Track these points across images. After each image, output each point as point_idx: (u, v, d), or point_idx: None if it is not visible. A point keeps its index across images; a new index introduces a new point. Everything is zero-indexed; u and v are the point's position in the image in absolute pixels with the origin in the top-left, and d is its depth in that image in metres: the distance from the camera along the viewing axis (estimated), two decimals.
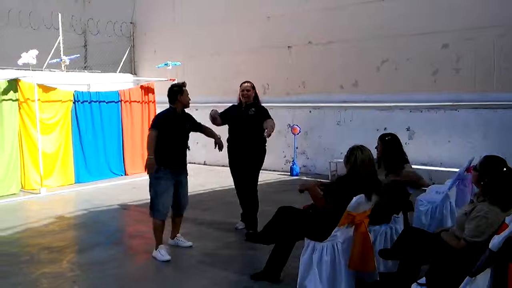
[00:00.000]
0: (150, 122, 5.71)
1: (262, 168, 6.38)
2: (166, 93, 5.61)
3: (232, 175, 6.37)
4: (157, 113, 6.34)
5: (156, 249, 5.44)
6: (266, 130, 5.90)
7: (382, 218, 4.82)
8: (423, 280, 3.49)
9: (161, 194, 5.37)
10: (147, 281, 4.85)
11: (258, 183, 6.40)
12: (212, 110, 6.37)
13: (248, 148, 6.14)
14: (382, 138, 5.24)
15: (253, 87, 6.34)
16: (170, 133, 5.40)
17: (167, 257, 5.38)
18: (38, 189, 9.20)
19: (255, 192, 6.28)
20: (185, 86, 5.63)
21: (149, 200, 5.51)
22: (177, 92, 5.54)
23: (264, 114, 6.21)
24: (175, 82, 11.22)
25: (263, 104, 6.42)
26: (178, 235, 5.87)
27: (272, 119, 6.22)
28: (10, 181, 9.08)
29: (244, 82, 6.39)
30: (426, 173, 8.90)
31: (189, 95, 5.63)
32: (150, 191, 5.46)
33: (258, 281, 4.66)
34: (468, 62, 8.91)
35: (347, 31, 10.37)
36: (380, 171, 5.04)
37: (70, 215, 7.62)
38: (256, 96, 6.36)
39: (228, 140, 6.29)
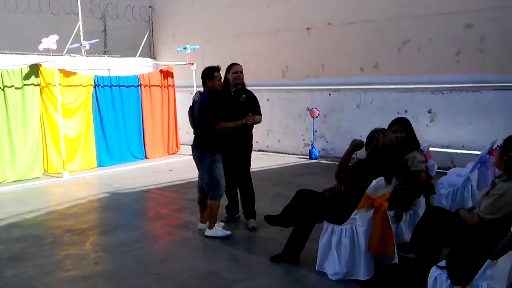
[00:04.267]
0: (208, 112, 5.47)
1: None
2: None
3: (224, 167, 5.66)
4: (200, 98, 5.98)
5: (212, 228, 5.55)
6: (250, 118, 5.61)
7: (401, 203, 4.79)
8: (443, 263, 3.47)
9: (221, 175, 5.49)
10: (169, 262, 4.93)
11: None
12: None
13: (240, 137, 5.81)
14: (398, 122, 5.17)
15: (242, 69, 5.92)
16: (215, 121, 5.44)
17: (229, 232, 5.57)
18: (61, 172, 9.36)
19: (249, 180, 6.03)
20: (217, 70, 5.50)
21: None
22: (205, 77, 5.50)
23: (255, 104, 5.85)
24: (193, 65, 11.29)
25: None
26: None
27: (261, 115, 5.89)
28: (33, 165, 9.26)
29: (235, 64, 5.93)
30: (447, 156, 8.85)
31: (221, 79, 5.53)
32: (209, 175, 5.44)
33: (277, 263, 4.70)
34: (492, 43, 8.71)
35: (368, 12, 10.21)
36: None
37: (92, 198, 7.74)
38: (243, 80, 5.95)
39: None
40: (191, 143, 5.77)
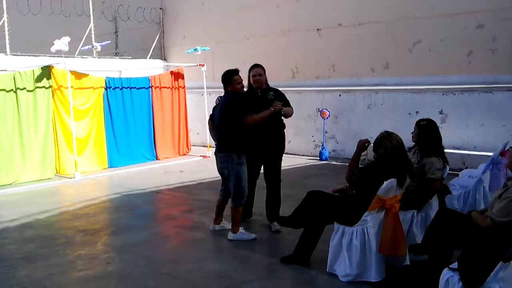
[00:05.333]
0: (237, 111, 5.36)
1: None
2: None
3: (248, 166, 5.53)
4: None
5: (236, 232, 5.48)
6: (278, 104, 5.50)
7: (413, 203, 4.77)
8: (455, 265, 3.44)
9: (246, 181, 5.41)
10: (179, 263, 4.94)
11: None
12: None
13: (270, 137, 5.73)
14: (418, 123, 5.13)
15: (264, 71, 5.82)
16: (243, 115, 5.35)
17: (254, 235, 5.52)
18: (73, 173, 9.42)
19: (279, 183, 5.93)
20: (236, 74, 5.41)
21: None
22: (225, 82, 5.44)
23: (284, 99, 5.80)
24: (203, 66, 11.31)
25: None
26: (224, 220, 5.91)
27: (293, 108, 5.89)
28: (45, 166, 9.33)
29: (255, 66, 5.84)
30: (459, 157, 8.79)
31: (241, 82, 5.43)
32: (236, 180, 5.33)
33: (288, 264, 4.69)
34: (504, 43, 8.63)
35: (378, 12, 10.17)
36: (412, 157, 4.97)
37: (104, 199, 7.79)
38: (266, 80, 5.86)
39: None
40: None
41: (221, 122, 5.44)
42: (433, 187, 4.75)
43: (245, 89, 5.66)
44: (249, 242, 5.44)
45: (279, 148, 5.90)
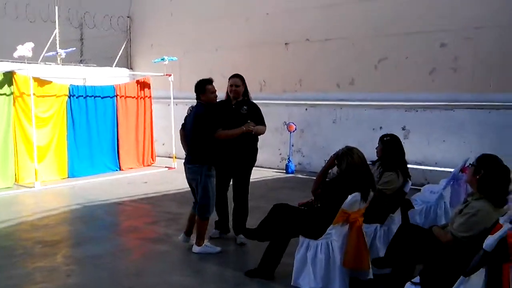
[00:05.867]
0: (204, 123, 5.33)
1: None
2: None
3: (218, 179, 5.54)
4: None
5: (200, 245, 5.42)
6: (251, 124, 5.52)
7: (376, 217, 4.85)
8: (417, 279, 3.51)
9: (213, 194, 5.37)
10: (142, 275, 4.86)
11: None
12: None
13: (241, 150, 5.68)
14: (381, 138, 5.24)
15: (243, 82, 5.77)
16: (213, 129, 5.33)
17: (218, 248, 5.48)
18: (33, 183, 9.17)
19: (247, 195, 5.90)
20: (210, 83, 5.39)
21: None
22: (198, 91, 5.40)
23: (258, 115, 5.76)
24: (171, 76, 11.22)
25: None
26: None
27: (265, 125, 5.82)
28: (4, 175, 9.05)
29: (234, 76, 5.81)
30: (421, 173, 8.98)
31: (215, 92, 5.39)
32: (203, 192, 5.30)
33: (252, 278, 4.68)
34: (465, 62, 8.93)
35: (345, 29, 10.37)
36: (375, 172, 5.06)
37: (64, 209, 7.61)
38: (246, 91, 5.81)
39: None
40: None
41: (192, 133, 5.41)
42: (382, 199, 4.83)
43: (219, 99, 5.63)
44: (214, 255, 5.40)
45: (250, 160, 5.88)
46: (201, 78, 5.50)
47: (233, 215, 5.95)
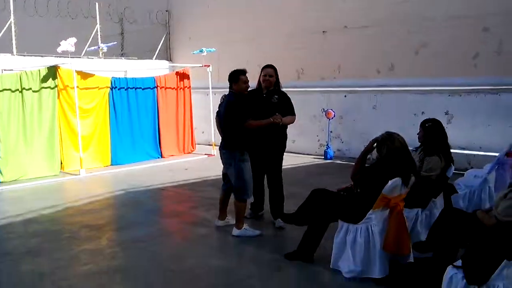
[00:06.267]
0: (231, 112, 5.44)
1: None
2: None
3: (252, 164, 5.60)
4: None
5: (240, 228, 5.51)
6: (278, 117, 5.59)
7: (418, 202, 4.76)
8: (459, 262, 3.42)
9: (250, 176, 5.45)
10: (183, 258, 4.93)
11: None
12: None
13: (271, 138, 5.77)
14: (422, 124, 5.14)
15: (276, 72, 5.90)
16: (243, 119, 5.41)
17: (258, 231, 5.55)
18: (78, 170, 9.44)
19: (281, 180, 5.99)
20: (243, 74, 5.46)
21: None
22: (231, 79, 5.49)
23: (288, 105, 5.88)
24: (209, 67, 11.31)
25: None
26: (229, 216, 5.94)
27: (294, 115, 5.92)
28: (51, 163, 9.36)
29: (267, 66, 5.94)
30: (464, 158, 8.77)
31: (247, 82, 5.47)
32: (238, 175, 5.37)
33: (292, 260, 4.68)
34: (510, 46, 8.59)
35: (383, 15, 10.15)
36: (416, 156, 4.96)
37: (108, 195, 7.80)
38: (277, 82, 5.93)
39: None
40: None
41: (224, 120, 5.53)
42: (426, 185, 4.73)
43: (251, 89, 5.70)
44: (254, 238, 5.43)
45: (280, 146, 5.97)
46: (235, 68, 5.57)
47: (270, 201, 6.01)
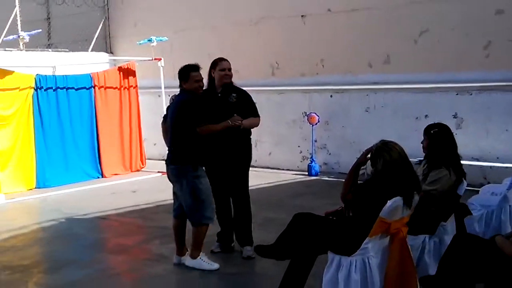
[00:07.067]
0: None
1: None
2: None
3: (212, 182, 5.72)
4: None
5: (195, 258, 5.56)
6: (237, 118, 5.69)
7: (424, 227, 4.83)
8: None
9: (208, 194, 5.52)
10: None
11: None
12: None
13: (233, 146, 5.89)
14: (427, 131, 5.22)
15: None
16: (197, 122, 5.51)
17: (216, 265, 5.58)
18: None
19: (248, 199, 6.11)
20: (195, 70, 5.59)
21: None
22: (181, 78, 5.61)
23: (249, 104, 6.02)
24: (160, 61, 11.27)
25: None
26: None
27: (258, 116, 6.08)
28: None
29: (222, 59, 6.06)
30: (478, 170, 8.94)
31: (200, 81, 5.59)
32: (192, 195, 5.45)
33: None
34: None
35: None
36: (419, 171, 5.04)
37: (35, 227, 7.70)
38: None
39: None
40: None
41: (174, 125, 5.59)
42: (425, 202, 4.80)
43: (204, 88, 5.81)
44: (226, 277, 5.46)
45: (244, 157, 6.06)
46: (186, 64, 5.67)
47: (235, 224, 6.11)
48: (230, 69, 6.00)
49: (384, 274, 4.21)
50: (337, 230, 4.58)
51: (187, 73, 5.56)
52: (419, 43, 9.95)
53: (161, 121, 6.01)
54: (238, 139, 5.90)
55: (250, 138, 6.14)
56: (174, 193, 5.79)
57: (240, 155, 6.00)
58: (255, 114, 6.04)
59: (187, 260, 5.61)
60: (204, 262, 5.58)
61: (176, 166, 5.54)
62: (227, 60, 6.05)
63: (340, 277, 4.31)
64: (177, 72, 5.68)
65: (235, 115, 5.71)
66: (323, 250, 4.52)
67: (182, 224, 5.77)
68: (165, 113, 5.96)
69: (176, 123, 5.55)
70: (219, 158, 5.85)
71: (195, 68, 5.60)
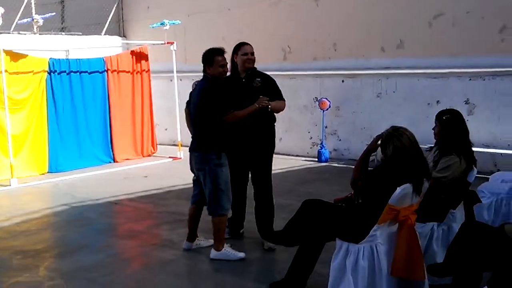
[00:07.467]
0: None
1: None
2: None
3: (232, 170, 5.66)
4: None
5: (220, 250, 5.52)
6: (265, 99, 5.60)
7: (432, 214, 4.83)
8: None
9: (228, 184, 5.48)
10: None
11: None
12: None
13: (258, 133, 5.83)
14: (439, 117, 5.18)
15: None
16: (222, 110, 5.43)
17: (242, 254, 5.54)
18: (8, 180, 9.36)
19: (270, 188, 6.03)
20: (220, 54, 5.48)
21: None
22: (205, 62, 5.51)
23: (274, 88, 5.92)
24: (173, 44, 11.25)
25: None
26: (200, 236, 5.96)
27: (284, 100, 6.01)
28: None
29: (245, 44, 5.94)
30: (489, 158, 8.90)
31: (225, 65, 5.52)
32: (213, 183, 5.40)
33: None
34: None
35: None
36: (429, 157, 5.02)
37: (48, 212, 7.75)
38: None
39: None
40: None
41: (196, 113, 5.52)
42: (435, 189, 4.79)
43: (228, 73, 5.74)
44: (232, 263, 5.45)
45: (268, 146, 5.98)
46: (211, 47, 5.57)
47: (256, 216, 6.05)
48: (252, 53, 5.88)
49: (392, 261, 4.22)
50: (346, 217, 4.60)
51: (212, 57, 5.46)
52: (434, 26, 9.86)
53: (184, 107, 5.99)
54: (263, 126, 5.84)
55: (274, 125, 6.05)
56: (193, 181, 5.76)
57: (265, 142, 5.93)
58: (281, 98, 5.95)
59: (212, 253, 5.53)
60: (230, 252, 5.53)
61: (200, 153, 5.47)
62: (249, 44, 5.94)
63: (348, 264, 4.33)
64: (201, 56, 5.55)
65: (261, 96, 5.62)
66: (331, 237, 4.54)
67: (198, 211, 5.78)
68: (188, 99, 5.89)
69: (198, 111, 5.48)
70: (243, 145, 5.78)
71: (220, 52, 5.49)
